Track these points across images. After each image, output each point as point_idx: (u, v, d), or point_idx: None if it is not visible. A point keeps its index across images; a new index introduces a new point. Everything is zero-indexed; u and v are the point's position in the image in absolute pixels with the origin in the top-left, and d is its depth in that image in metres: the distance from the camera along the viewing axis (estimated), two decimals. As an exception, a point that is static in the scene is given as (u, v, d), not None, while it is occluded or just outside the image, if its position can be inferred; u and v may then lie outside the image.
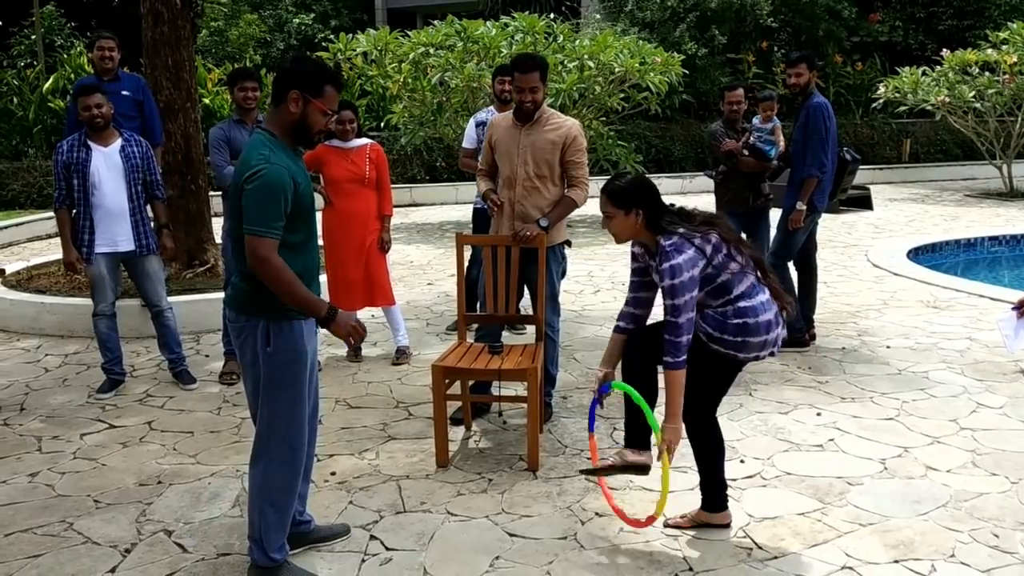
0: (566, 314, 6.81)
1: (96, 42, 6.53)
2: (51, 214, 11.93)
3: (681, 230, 3.25)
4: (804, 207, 5.82)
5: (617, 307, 7.27)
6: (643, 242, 3.42)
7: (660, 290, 3.27)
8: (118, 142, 5.22)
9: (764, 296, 3.31)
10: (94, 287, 5.30)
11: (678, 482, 3.97)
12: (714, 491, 3.50)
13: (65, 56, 15.32)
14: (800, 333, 5.97)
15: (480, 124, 6.36)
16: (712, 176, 6.39)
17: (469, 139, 6.41)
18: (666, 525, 3.55)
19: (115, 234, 5.20)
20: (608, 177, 3.48)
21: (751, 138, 6.13)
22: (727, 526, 3.53)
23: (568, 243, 4.85)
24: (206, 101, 13.93)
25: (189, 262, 7.46)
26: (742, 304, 3.27)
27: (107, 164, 5.16)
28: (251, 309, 3.02)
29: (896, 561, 3.28)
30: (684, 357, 3.21)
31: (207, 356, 6.07)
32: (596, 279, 8.46)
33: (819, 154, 5.81)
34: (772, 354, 3.38)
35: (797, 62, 5.97)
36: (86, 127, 5.18)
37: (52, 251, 9.84)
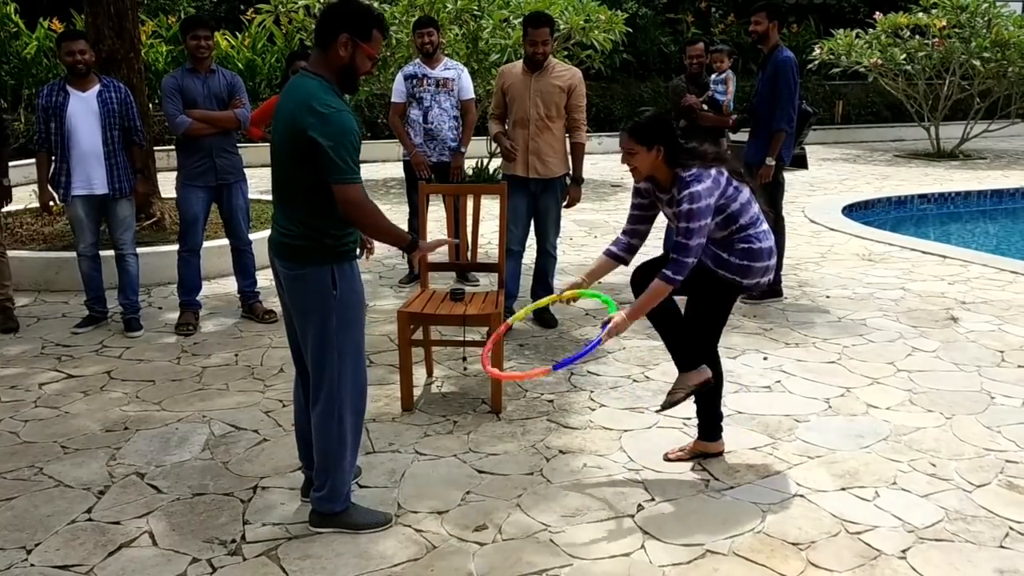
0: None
1: None
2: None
3: (697, 164, 3.39)
4: (773, 161, 5.88)
5: (579, 259, 7.43)
6: (655, 178, 3.49)
7: (677, 216, 3.35)
8: (96, 87, 5.32)
9: (765, 226, 3.51)
10: (74, 228, 5.49)
11: (635, 421, 4.15)
12: (714, 422, 3.70)
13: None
14: (777, 284, 6.12)
15: (408, 77, 6.36)
16: None
17: (398, 93, 6.39)
18: (666, 458, 3.74)
19: (91, 177, 5.30)
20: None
21: (711, 92, 6.28)
22: (722, 453, 3.74)
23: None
24: (140, 53, 13.54)
25: (136, 215, 7.34)
26: (748, 232, 3.44)
27: (84, 109, 5.24)
28: (315, 257, 2.99)
29: (843, 489, 3.50)
30: (681, 279, 3.34)
31: (160, 308, 6.04)
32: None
33: (787, 108, 5.86)
34: (769, 282, 3.59)
35: (756, 11, 6.12)
36: (67, 71, 5.27)
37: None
